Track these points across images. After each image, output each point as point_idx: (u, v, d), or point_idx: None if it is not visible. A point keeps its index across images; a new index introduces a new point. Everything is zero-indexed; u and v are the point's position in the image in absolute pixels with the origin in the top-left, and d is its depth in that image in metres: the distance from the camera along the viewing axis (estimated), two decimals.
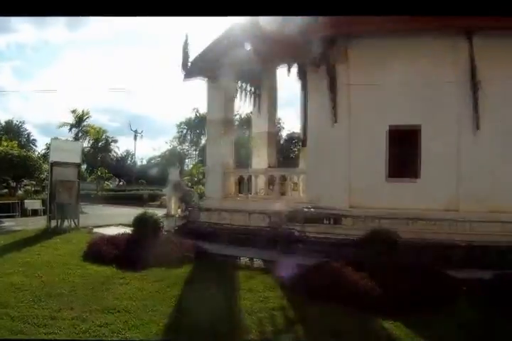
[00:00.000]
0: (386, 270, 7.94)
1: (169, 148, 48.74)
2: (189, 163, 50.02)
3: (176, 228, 13.72)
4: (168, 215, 15.56)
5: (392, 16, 9.67)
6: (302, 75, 17.80)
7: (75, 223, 15.71)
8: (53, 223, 15.42)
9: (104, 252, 10.23)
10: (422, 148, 11.65)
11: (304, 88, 18.23)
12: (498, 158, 10.98)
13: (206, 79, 14.77)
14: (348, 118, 12.05)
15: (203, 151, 36.86)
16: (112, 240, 11.14)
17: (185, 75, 14.44)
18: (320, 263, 8.97)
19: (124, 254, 9.94)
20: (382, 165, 11.89)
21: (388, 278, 7.60)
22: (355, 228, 11.20)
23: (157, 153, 48.72)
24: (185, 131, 43.08)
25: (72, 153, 16.79)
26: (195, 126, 40.35)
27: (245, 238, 12.53)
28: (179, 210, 15.47)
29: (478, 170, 11.12)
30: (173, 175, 16.24)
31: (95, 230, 15.13)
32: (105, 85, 78.58)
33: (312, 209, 11.89)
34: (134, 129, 46.74)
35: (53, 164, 16.14)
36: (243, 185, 14.39)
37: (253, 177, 14.68)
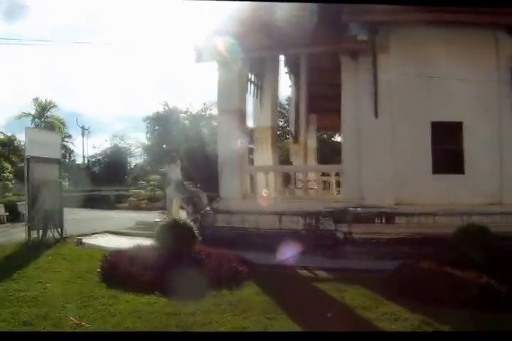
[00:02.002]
0: (492, 266, 7.31)
1: (110, 146, 44.78)
2: (136, 162, 46.78)
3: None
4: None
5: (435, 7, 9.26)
6: (294, 68, 16.49)
7: (59, 233, 12.93)
8: (33, 234, 12.46)
9: (133, 275, 7.82)
10: (465, 143, 11.18)
11: (297, 81, 16.86)
12: None
13: (217, 63, 12.82)
14: (390, 113, 11.15)
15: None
16: (134, 257, 8.72)
17: (197, 58, 12.49)
18: (410, 265, 8.11)
19: (164, 276, 7.61)
20: (427, 160, 11.21)
21: (499, 275, 6.98)
22: (410, 226, 10.55)
23: (98, 151, 44.42)
24: (153, 126, 39.07)
25: (52, 146, 13.72)
26: (164, 120, 36.88)
27: (278, 243, 10.64)
28: (184, 214, 13.17)
29: None
30: (174, 173, 14.05)
31: (84, 241, 12.55)
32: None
33: (359, 209, 10.37)
34: (81, 125, 42.36)
35: (30, 160, 12.75)
36: (261, 183, 12.40)
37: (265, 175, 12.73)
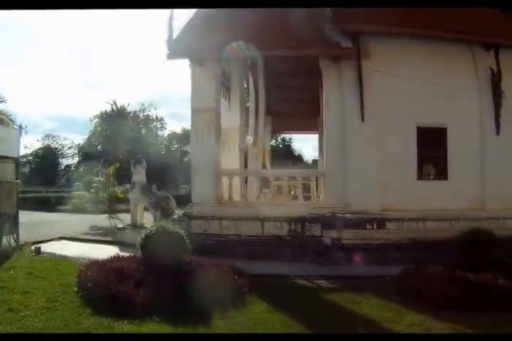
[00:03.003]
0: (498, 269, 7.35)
1: (42, 146, 41.77)
2: (67, 163, 43.78)
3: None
4: (135, 226, 12.11)
5: (415, 21, 10.20)
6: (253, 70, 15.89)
7: (14, 239, 11.26)
8: None
9: (124, 295, 6.59)
10: (449, 149, 11.21)
11: (255, 83, 16.26)
12: None
13: (190, 61, 11.91)
14: (375, 117, 10.93)
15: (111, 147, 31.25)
16: (118, 271, 7.48)
17: (168, 54, 11.41)
18: (414, 271, 7.92)
19: (160, 295, 6.59)
20: (413, 165, 11.12)
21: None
22: (400, 231, 10.40)
23: (29, 151, 41.18)
24: (99, 126, 36.29)
25: (8, 143, 11.87)
26: (112, 119, 34.45)
27: (262, 250, 10.07)
28: (151, 219, 12.05)
29: (501, 171, 10.95)
30: (139, 175, 12.83)
31: (42, 249, 10.96)
32: None
33: (348, 215, 9.97)
34: (17, 125, 38.76)
35: None
36: (239, 187, 11.65)
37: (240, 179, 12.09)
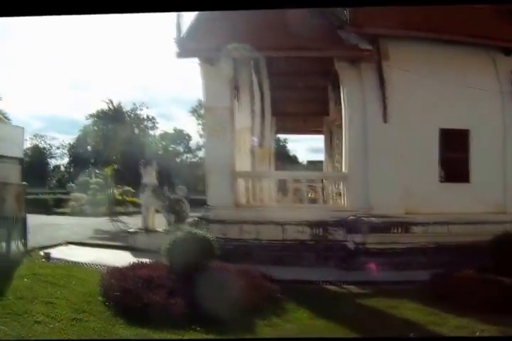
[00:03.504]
0: None
1: (30, 146, 41.10)
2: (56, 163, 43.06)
3: None
4: (147, 230, 11.80)
5: (434, 26, 10.26)
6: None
7: (23, 244, 10.72)
8: None
9: (160, 305, 6.35)
10: (471, 151, 11.19)
11: (261, 84, 16.08)
12: None
13: (200, 60, 11.66)
14: (397, 119, 10.82)
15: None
16: (148, 279, 7.17)
17: (178, 53, 11.18)
18: (446, 275, 7.90)
19: (197, 304, 6.36)
20: (435, 168, 11.07)
21: None
22: (425, 235, 10.33)
23: None
24: (94, 125, 35.31)
25: (14, 142, 11.39)
26: (109, 119, 33.59)
27: (284, 255, 9.87)
28: (165, 223, 11.78)
29: None
30: (150, 177, 12.44)
31: (51, 254, 10.59)
32: None
33: (373, 219, 9.87)
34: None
35: None
36: (253, 190, 11.45)
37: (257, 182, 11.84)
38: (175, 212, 11.72)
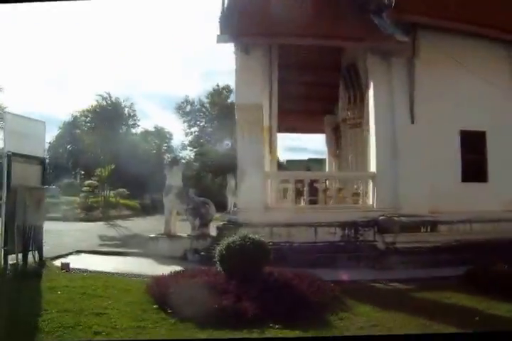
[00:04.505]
0: None
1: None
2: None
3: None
4: (170, 235, 11.91)
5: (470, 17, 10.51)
6: None
7: (39, 255, 10.52)
8: (11, 259, 9.78)
9: (235, 309, 6.61)
10: (488, 152, 11.92)
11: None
12: None
13: (236, 47, 11.70)
14: (424, 119, 11.41)
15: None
16: (209, 286, 7.35)
17: (218, 37, 11.09)
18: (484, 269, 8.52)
19: (270, 305, 6.70)
20: (457, 167, 11.74)
21: None
22: (451, 233, 11.00)
23: None
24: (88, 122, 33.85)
25: (34, 139, 10.77)
26: (107, 114, 32.19)
27: (317, 257, 10.30)
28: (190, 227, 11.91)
29: None
30: (176, 178, 12.38)
31: (67, 264, 10.37)
32: None
33: (403, 218, 10.57)
34: None
35: (11, 157, 9.64)
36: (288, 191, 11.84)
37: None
38: (199, 215, 11.81)
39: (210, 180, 33.33)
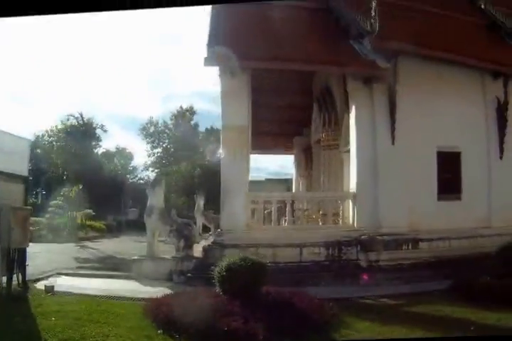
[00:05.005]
0: None
1: None
2: None
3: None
4: (153, 257, 11.86)
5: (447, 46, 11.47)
6: None
7: (23, 277, 10.20)
8: None
9: (246, 331, 6.75)
10: (462, 171, 12.73)
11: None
12: None
13: (221, 70, 12.03)
14: (403, 140, 12.04)
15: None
16: (212, 308, 7.42)
17: (206, 59, 11.44)
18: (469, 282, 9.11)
19: (278, 325, 6.95)
20: (434, 186, 12.41)
21: None
22: (430, 250, 11.55)
23: None
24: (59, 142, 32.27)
25: (17, 156, 10.40)
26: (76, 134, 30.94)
27: (303, 277, 10.69)
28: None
29: (504, 192, 12.44)
30: (157, 199, 12.30)
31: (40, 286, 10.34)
32: None
33: (386, 237, 11.26)
34: None
35: None
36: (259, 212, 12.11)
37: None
38: (184, 237, 11.85)
39: (173, 201, 33.23)
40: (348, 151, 13.18)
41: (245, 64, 11.62)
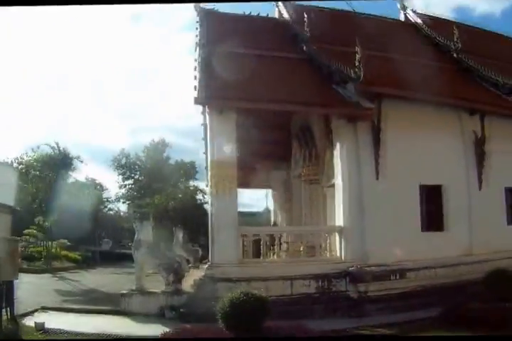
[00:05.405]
0: None
1: None
2: None
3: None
4: (142, 291, 11.83)
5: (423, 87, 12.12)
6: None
7: (11, 312, 9.95)
8: None
9: None
10: (444, 203, 13.46)
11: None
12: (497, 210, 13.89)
13: (209, 109, 12.55)
14: (387, 175, 12.59)
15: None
16: None
17: (196, 99, 11.86)
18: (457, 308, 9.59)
19: None
20: (417, 218, 13.04)
21: None
22: (417, 279, 12.04)
23: None
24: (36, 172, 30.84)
25: (5, 186, 10.33)
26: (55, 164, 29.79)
27: (295, 310, 10.90)
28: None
29: (483, 221, 13.25)
30: (146, 232, 12.39)
31: (28, 323, 10.14)
32: None
33: (374, 268, 11.75)
34: None
35: None
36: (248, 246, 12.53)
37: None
38: (174, 271, 11.89)
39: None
40: (332, 186, 13.70)
41: (235, 104, 12.24)
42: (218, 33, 15.60)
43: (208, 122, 12.94)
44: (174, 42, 77.64)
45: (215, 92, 12.00)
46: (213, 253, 11.99)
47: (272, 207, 26.05)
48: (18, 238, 10.85)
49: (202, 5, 17.39)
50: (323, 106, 12.97)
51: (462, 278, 11.87)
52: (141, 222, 12.62)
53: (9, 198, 10.72)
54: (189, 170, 48.29)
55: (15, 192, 11.15)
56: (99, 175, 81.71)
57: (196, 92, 11.89)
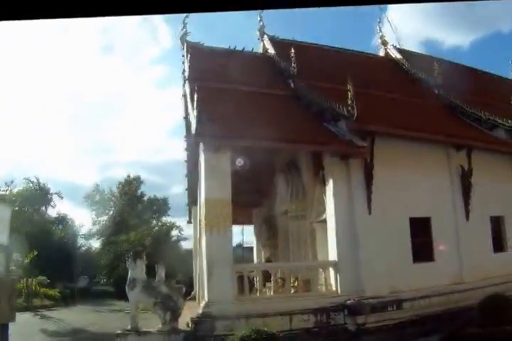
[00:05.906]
0: None
1: None
2: None
3: None
4: (138, 331, 11.68)
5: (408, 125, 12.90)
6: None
7: None
8: None
9: None
10: (433, 235, 14.07)
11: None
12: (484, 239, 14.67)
13: (205, 146, 12.62)
14: (379, 210, 13.04)
15: None
16: None
17: (195, 137, 12.60)
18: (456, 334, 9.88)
19: None
20: (408, 250, 13.52)
21: None
22: (413, 309, 12.40)
23: None
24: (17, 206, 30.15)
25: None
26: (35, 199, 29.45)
27: None
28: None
29: (471, 250, 13.98)
30: (139, 271, 12.13)
31: None
32: None
33: (371, 300, 12.07)
34: None
35: None
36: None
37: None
38: (170, 309, 11.78)
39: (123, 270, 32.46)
40: (322, 221, 14.11)
41: (234, 143, 12.63)
42: (205, 68, 16.11)
43: (201, 160, 13.12)
44: (144, 77, 78.41)
45: (212, 130, 12.18)
46: (209, 291, 11.99)
47: (249, 244, 26.88)
48: (15, 277, 10.60)
49: (188, 38, 17.99)
50: (319, 144, 13.50)
51: (456, 305, 12.38)
52: (134, 261, 12.42)
53: (4, 237, 10.53)
54: (161, 207, 48.29)
55: (8, 231, 10.93)
56: (71, 211, 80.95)
57: (193, 129, 12.24)
